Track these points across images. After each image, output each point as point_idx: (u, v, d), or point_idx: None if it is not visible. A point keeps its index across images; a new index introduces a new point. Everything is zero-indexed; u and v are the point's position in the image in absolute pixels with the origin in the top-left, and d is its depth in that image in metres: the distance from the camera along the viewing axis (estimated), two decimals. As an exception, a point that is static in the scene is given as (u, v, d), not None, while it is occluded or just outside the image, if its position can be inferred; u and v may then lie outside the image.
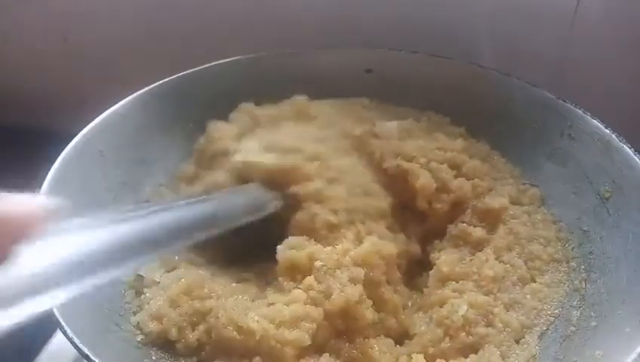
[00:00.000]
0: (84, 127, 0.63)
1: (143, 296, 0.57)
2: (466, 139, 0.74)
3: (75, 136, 0.62)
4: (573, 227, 0.65)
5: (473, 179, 0.68)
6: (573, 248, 0.63)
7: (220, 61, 0.75)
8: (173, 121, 0.72)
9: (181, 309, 0.54)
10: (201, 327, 0.53)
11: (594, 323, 0.53)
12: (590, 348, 0.50)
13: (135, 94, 0.68)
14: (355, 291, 0.53)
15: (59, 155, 0.59)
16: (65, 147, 0.60)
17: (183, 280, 0.55)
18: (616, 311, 0.52)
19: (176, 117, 0.72)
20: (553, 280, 0.61)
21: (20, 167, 0.67)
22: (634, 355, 0.45)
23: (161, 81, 0.70)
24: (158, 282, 0.57)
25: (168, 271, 0.58)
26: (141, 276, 0.58)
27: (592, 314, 0.55)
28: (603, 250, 0.60)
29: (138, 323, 0.54)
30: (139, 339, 0.53)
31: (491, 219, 0.65)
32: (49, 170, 0.57)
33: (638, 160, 0.61)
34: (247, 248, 0.61)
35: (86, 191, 0.61)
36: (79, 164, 0.61)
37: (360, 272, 0.55)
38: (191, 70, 0.73)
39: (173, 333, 0.52)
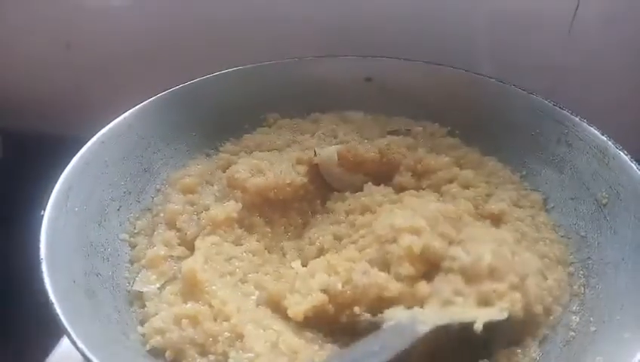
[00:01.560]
0: (89, 133, 0.64)
1: (145, 309, 0.57)
2: (458, 148, 0.76)
3: (79, 142, 0.63)
4: (571, 232, 0.66)
5: (467, 188, 0.69)
6: (571, 253, 0.64)
7: (221, 71, 0.75)
8: (177, 131, 0.72)
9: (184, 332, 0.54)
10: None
11: (593, 329, 0.54)
12: (590, 354, 0.51)
13: (139, 105, 0.69)
14: None
15: (64, 162, 0.60)
16: (70, 154, 0.61)
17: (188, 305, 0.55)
18: (615, 317, 0.53)
19: (179, 127, 0.73)
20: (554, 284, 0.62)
21: (25, 174, 0.68)
22: (634, 361, 0.46)
23: (164, 92, 0.71)
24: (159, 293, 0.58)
25: (165, 283, 0.59)
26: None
27: (592, 319, 0.56)
28: (601, 256, 0.61)
29: (144, 335, 0.55)
30: (147, 349, 0.54)
31: (495, 222, 0.66)
32: (54, 178, 0.58)
33: (634, 167, 0.62)
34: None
35: (92, 201, 0.61)
36: (85, 175, 0.61)
37: None
38: (192, 81, 0.74)
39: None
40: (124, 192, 0.66)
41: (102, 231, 0.61)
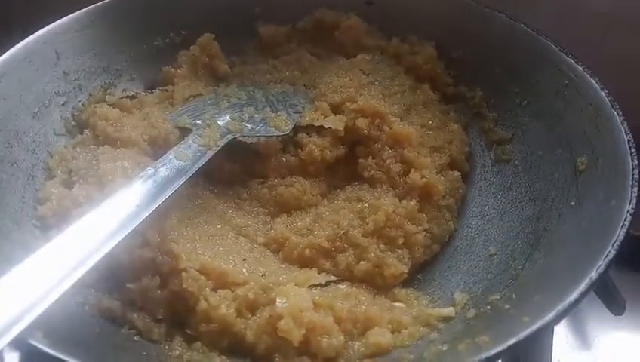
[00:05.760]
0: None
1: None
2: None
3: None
4: (539, 199, 0.57)
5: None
6: (531, 220, 0.56)
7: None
8: (141, 35, 0.69)
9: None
10: None
11: (507, 307, 0.47)
12: (485, 333, 0.44)
13: (101, 3, 0.66)
14: None
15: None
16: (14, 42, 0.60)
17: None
18: (533, 299, 0.46)
19: (145, 31, 0.69)
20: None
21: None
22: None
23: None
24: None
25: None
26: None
27: (514, 296, 0.48)
28: (557, 230, 0.53)
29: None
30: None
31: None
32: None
33: (623, 132, 0.52)
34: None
35: (31, 91, 0.60)
36: (26, 65, 0.60)
37: None
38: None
39: None
40: (75, 88, 0.65)
41: (35, 122, 0.60)
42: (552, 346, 0.57)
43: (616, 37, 0.73)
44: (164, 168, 0.53)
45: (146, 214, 0.47)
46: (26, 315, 0.38)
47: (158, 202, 0.49)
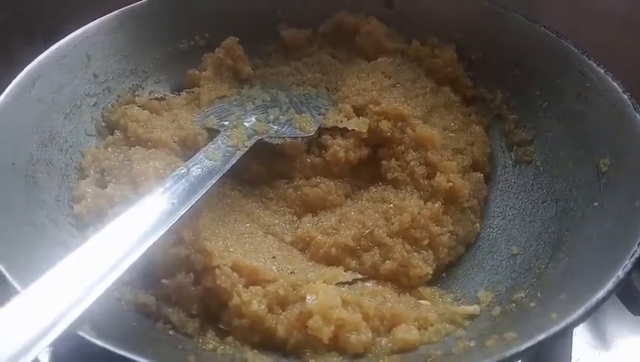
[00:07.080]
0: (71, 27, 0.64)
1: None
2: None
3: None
4: (560, 199, 0.58)
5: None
6: (551, 221, 0.57)
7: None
8: (167, 38, 0.71)
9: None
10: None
11: (533, 304, 0.48)
12: (512, 330, 0.45)
13: (129, 7, 0.68)
14: None
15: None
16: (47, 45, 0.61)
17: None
18: (559, 297, 0.47)
19: (170, 34, 0.71)
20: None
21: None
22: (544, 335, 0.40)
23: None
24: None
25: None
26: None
27: (539, 294, 0.49)
28: (580, 230, 0.53)
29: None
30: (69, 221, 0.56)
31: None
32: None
33: None
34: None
35: (63, 93, 0.62)
36: (59, 67, 0.62)
37: None
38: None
39: None
40: (105, 88, 0.66)
41: (67, 123, 0.61)
42: (571, 346, 0.58)
43: (632, 38, 0.74)
44: (195, 168, 0.54)
45: (182, 212, 0.48)
46: (73, 309, 0.39)
47: (193, 200, 0.50)
